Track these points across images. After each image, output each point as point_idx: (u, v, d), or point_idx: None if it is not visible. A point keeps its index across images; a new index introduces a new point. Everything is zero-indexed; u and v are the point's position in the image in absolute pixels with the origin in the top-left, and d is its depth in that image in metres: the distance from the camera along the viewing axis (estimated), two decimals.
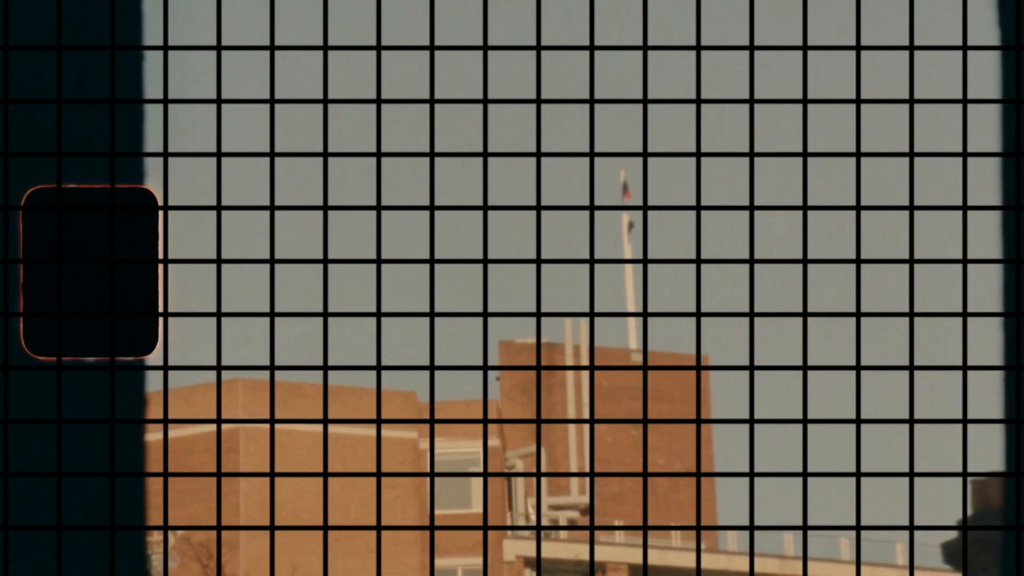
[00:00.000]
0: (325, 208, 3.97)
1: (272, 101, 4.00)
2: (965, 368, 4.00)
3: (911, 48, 4.15)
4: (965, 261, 4.02)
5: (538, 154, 4.04)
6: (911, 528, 4.08)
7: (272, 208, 3.98)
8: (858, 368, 4.04)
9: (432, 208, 4.00)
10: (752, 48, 4.05)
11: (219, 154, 3.97)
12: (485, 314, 3.99)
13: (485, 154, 4.02)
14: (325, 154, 3.98)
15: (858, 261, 4.06)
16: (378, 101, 4.00)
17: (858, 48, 4.12)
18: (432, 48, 4.01)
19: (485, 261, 3.99)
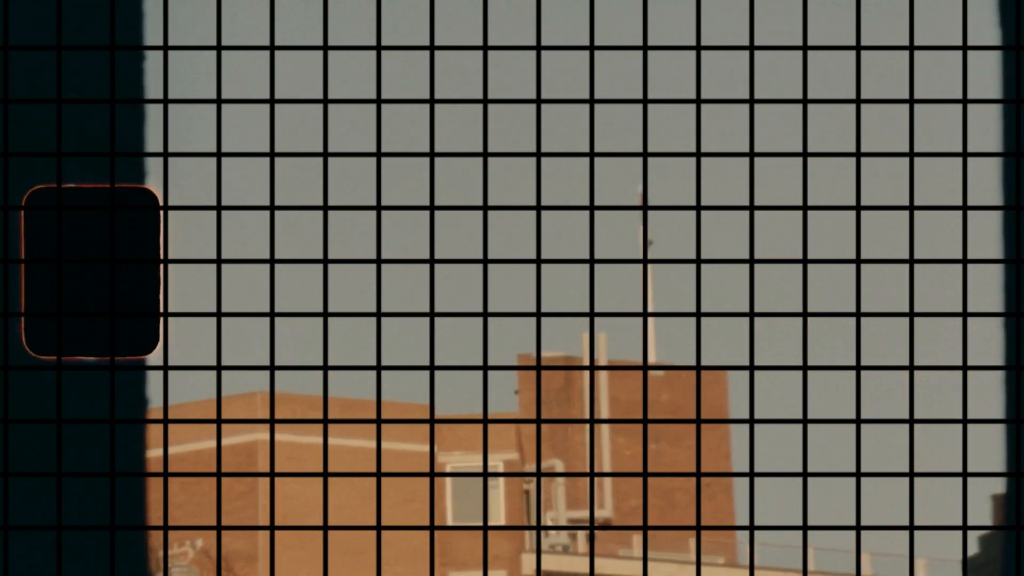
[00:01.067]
0: (325, 208, 3.97)
1: (272, 101, 4.00)
2: (965, 368, 4.00)
3: (911, 48, 4.15)
4: (965, 261, 4.02)
5: (538, 154, 4.04)
6: (911, 528, 4.08)
7: (272, 208, 3.98)
8: (858, 368, 4.04)
9: (432, 208, 4.00)
10: (752, 48, 4.05)
11: (219, 154, 3.97)
12: (485, 314, 3.99)
13: (485, 154, 4.02)
14: (325, 154, 3.99)
15: (858, 261, 4.06)
16: (378, 101, 4.00)
17: (858, 48, 4.12)
18: (432, 48, 4.01)
19: (485, 261, 3.99)
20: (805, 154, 4.08)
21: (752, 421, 4.04)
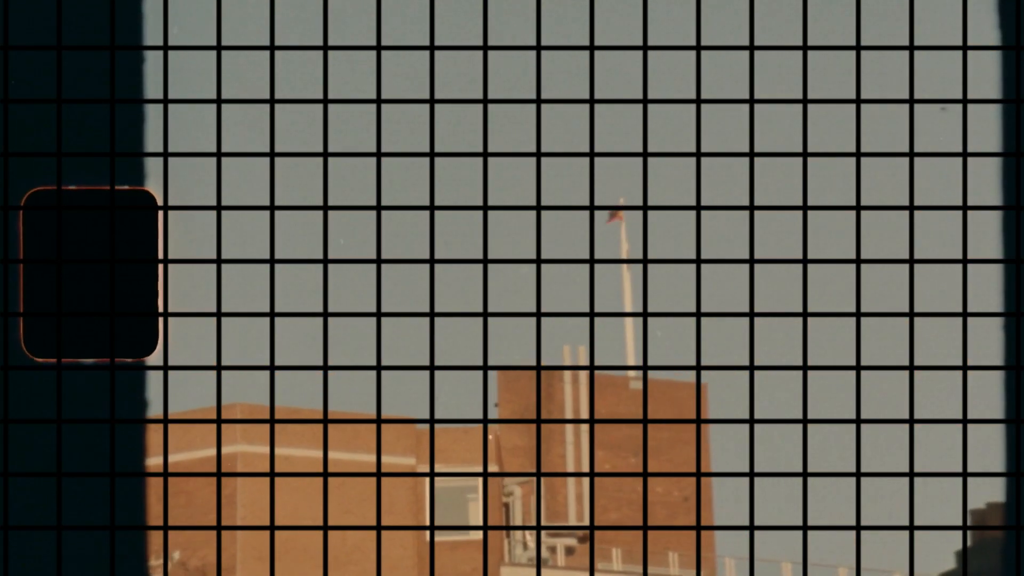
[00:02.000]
0: (325, 208, 3.97)
1: (272, 101, 4.00)
2: (965, 368, 4.00)
3: (911, 48, 4.15)
4: (965, 261, 4.02)
5: (538, 154, 4.04)
6: (911, 528, 4.08)
7: (272, 208, 3.98)
8: (858, 368, 4.04)
9: (432, 208, 4.00)
10: (752, 48, 4.05)
11: (219, 154, 3.97)
12: (485, 314, 3.99)
13: (485, 154, 4.02)
14: (325, 154, 3.98)
15: (858, 261, 4.06)
16: (378, 101, 4.00)
17: (858, 48, 4.12)
18: (432, 48, 4.01)
19: (485, 261, 3.99)
20: (805, 154, 4.08)
21: (752, 421, 4.04)
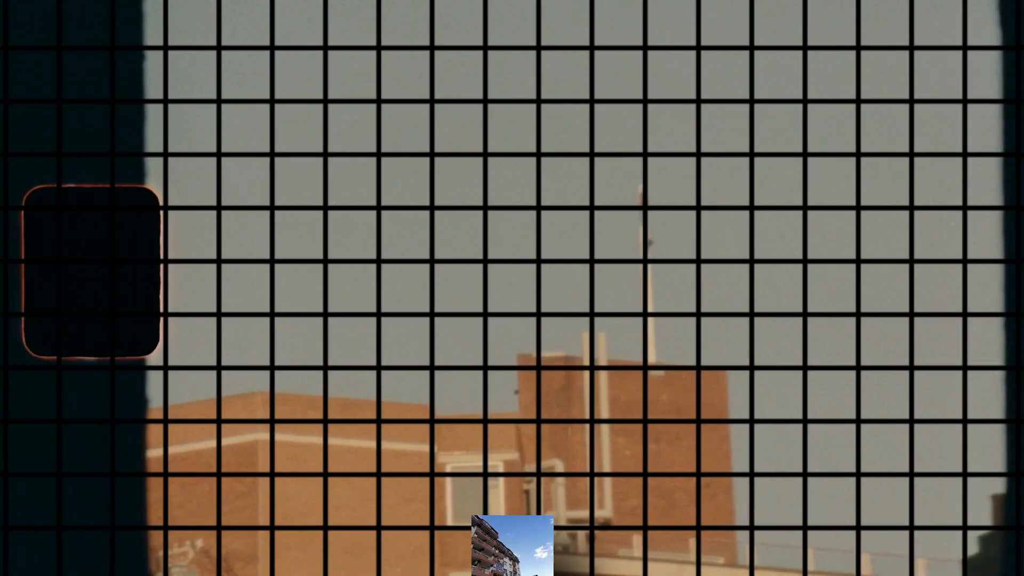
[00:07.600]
0: (325, 208, 3.98)
1: (272, 101, 4.00)
2: (965, 368, 3.99)
3: (911, 48, 4.15)
4: (965, 261, 4.02)
5: (538, 154, 4.04)
6: (911, 528, 4.08)
7: (272, 208, 3.98)
8: (858, 368, 4.04)
9: (432, 208, 4.01)
10: (752, 48, 4.05)
11: (219, 154, 3.97)
12: (485, 314, 3.99)
13: (485, 154, 4.02)
14: (325, 154, 3.99)
15: (858, 261, 4.06)
16: (378, 101, 4.00)
17: (858, 48, 4.12)
18: (432, 48, 4.01)
19: (485, 261, 3.99)
20: (805, 154, 4.08)
21: (752, 421, 4.04)
